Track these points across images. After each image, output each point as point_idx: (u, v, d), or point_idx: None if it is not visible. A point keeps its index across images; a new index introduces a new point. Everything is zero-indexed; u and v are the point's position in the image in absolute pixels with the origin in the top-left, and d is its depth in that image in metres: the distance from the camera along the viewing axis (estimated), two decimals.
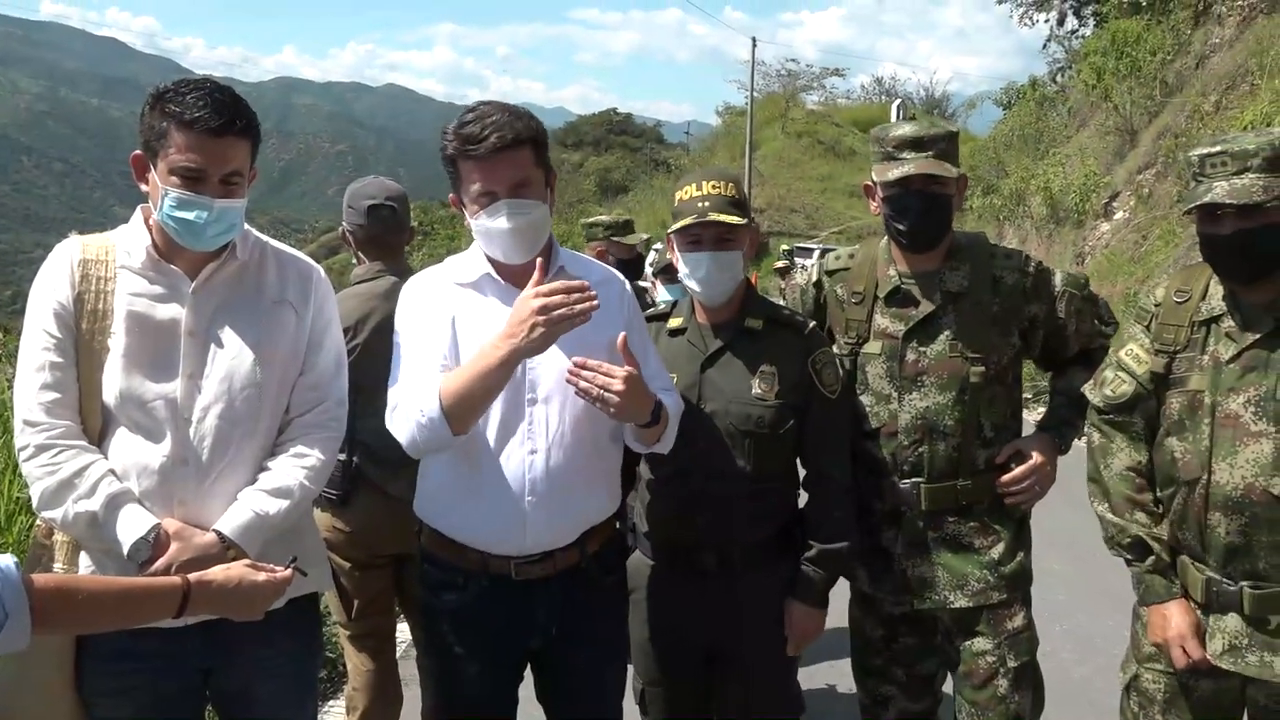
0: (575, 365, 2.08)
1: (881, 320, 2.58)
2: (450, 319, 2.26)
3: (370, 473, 3.04)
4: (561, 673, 2.41)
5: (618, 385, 2.06)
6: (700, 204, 2.42)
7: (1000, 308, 2.52)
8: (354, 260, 3.38)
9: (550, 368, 2.21)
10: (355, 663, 3.37)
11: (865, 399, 2.58)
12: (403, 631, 3.80)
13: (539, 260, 2.15)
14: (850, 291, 2.65)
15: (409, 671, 3.51)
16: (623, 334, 2.12)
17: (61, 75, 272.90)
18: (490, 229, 2.19)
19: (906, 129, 2.53)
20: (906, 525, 2.57)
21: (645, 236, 4.64)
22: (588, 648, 2.38)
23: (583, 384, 2.07)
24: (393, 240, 3.27)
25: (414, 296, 2.34)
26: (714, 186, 2.45)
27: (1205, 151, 2.20)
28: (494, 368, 2.06)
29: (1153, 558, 2.33)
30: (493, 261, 2.29)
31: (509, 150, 2.14)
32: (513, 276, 2.28)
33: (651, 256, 4.89)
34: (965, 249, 2.57)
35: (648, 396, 2.18)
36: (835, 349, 2.61)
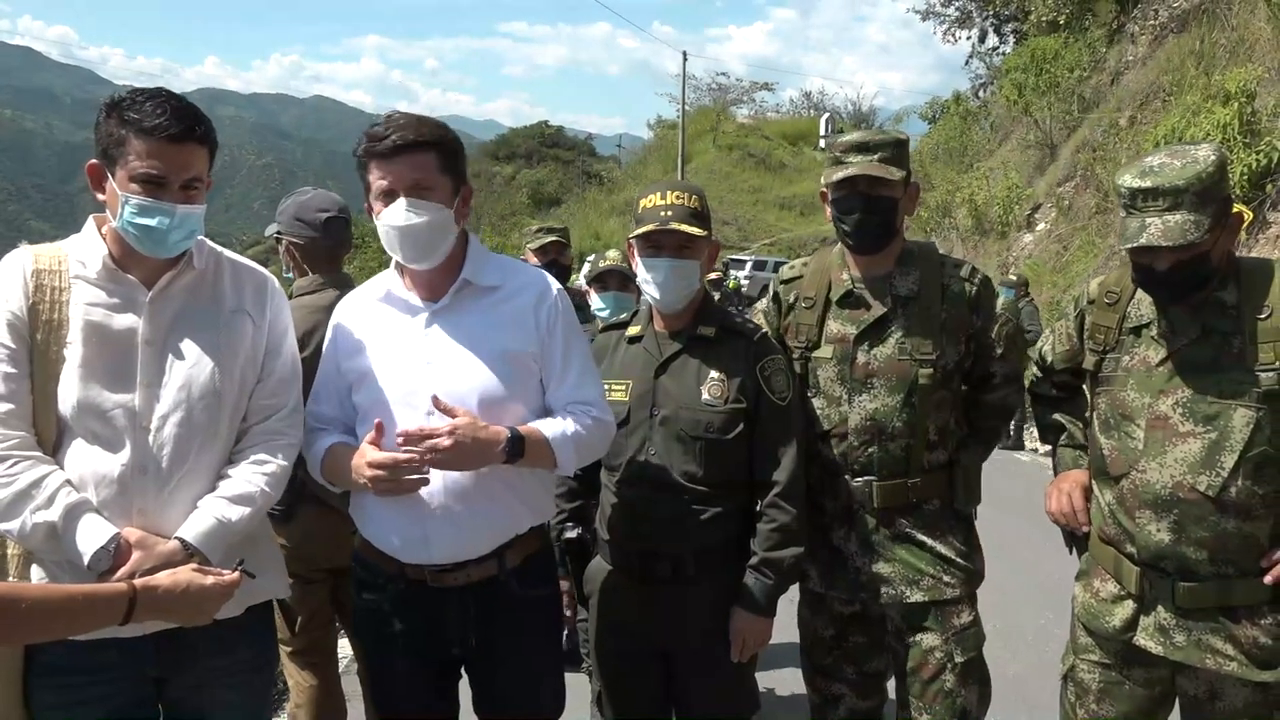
0: (400, 438, 2.13)
1: (833, 325, 2.65)
2: (363, 335, 2.35)
3: (314, 484, 3.03)
4: (491, 689, 2.41)
5: (445, 443, 2.10)
6: (663, 212, 2.50)
7: (947, 314, 2.59)
8: (287, 273, 3.36)
9: (449, 377, 2.23)
10: (297, 680, 3.34)
11: (817, 402, 2.64)
12: (344, 647, 3.77)
13: (378, 421, 2.18)
14: (802, 297, 2.72)
15: (351, 688, 3.50)
16: (434, 394, 2.16)
17: None
18: (388, 225, 2.20)
19: (855, 135, 2.63)
20: (859, 524, 2.62)
21: (551, 239, 4.77)
22: (516, 664, 2.36)
23: (405, 457, 2.12)
24: (340, 252, 3.29)
25: (338, 317, 2.44)
26: (677, 197, 2.53)
27: (1136, 185, 2.19)
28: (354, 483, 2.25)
29: (1066, 434, 2.64)
30: (402, 272, 2.34)
31: (411, 150, 2.17)
32: (422, 288, 2.32)
33: (585, 268, 4.95)
34: (916, 255, 2.65)
35: (489, 440, 2.15)
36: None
